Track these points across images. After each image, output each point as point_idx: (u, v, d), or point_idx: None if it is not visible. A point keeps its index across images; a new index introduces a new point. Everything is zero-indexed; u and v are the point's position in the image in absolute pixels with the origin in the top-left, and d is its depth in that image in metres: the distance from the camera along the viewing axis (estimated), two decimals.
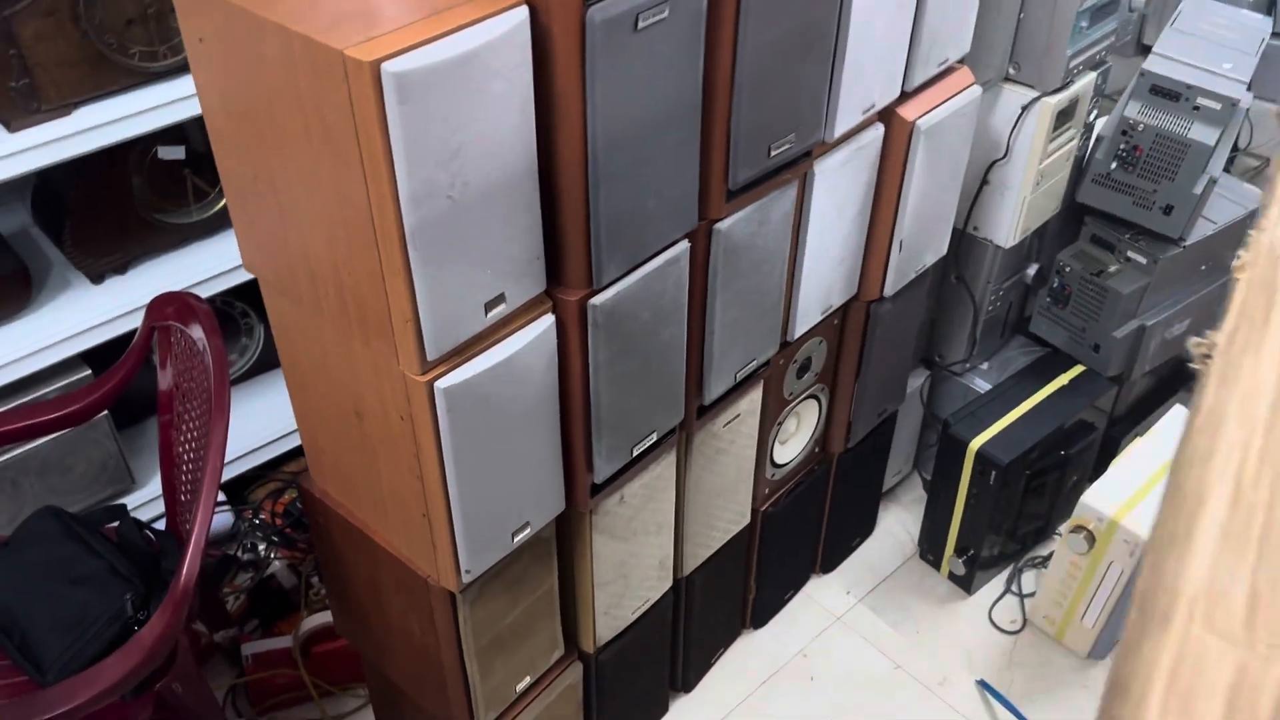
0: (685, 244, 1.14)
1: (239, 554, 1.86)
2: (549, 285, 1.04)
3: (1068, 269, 1.86)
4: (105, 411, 1.67)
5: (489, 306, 0.97)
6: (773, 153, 1.15)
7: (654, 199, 1.05)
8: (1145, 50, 1.85)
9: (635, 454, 1.23)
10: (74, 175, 1.66)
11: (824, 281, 1.43)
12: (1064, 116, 1.66)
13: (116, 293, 1.70)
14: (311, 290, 1.02)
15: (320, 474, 1.26)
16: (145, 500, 1.84)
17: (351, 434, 1.12)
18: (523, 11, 0.87)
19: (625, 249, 1.05)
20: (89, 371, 1.69)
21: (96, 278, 1.72)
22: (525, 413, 1.06)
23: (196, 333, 1.29)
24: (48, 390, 1.66)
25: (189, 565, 1.12)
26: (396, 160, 0.83)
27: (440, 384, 0.96)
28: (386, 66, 0.79)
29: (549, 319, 1.04)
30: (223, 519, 1.92)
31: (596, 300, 1.05)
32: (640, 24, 0.93)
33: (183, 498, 1.43)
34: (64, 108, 1.53)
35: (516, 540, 1.14)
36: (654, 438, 1.25)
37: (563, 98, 0.93)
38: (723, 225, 1.16)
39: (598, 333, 1.07)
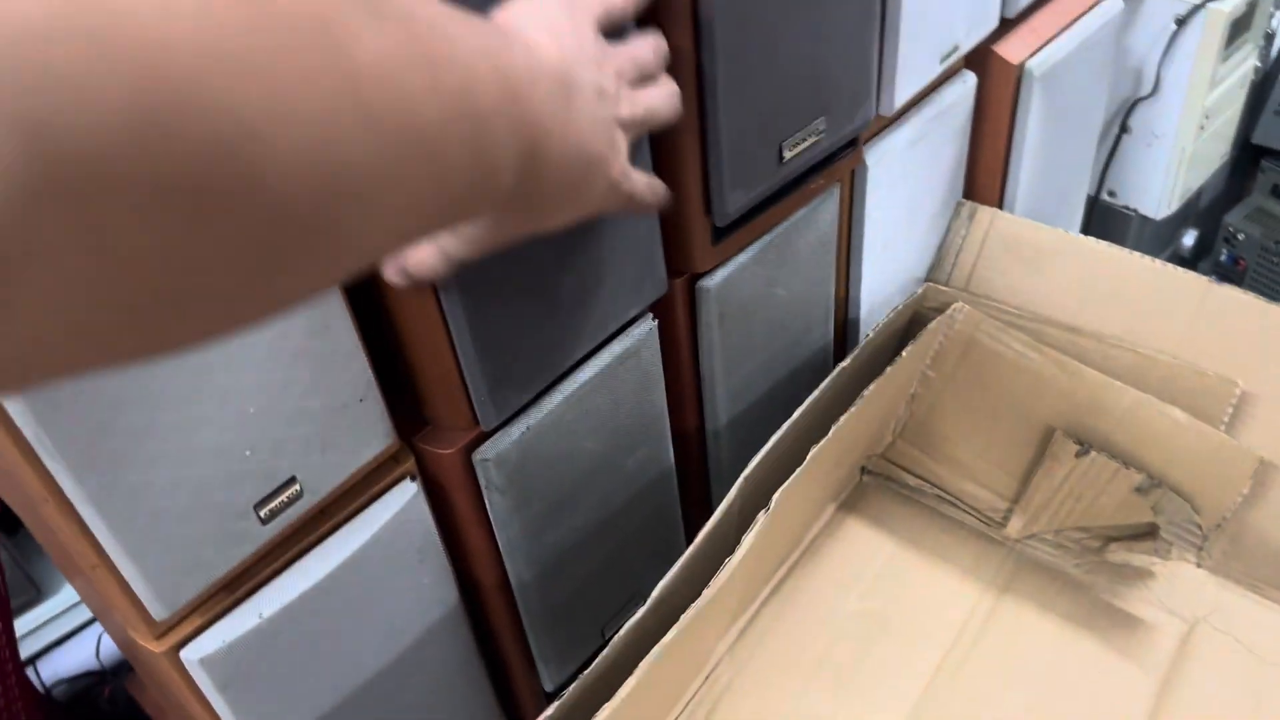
0: (649, 323, 0.68)
1: None
2: (406, 432, 0.61)
3: (1240, 236, 1.34)
4: None
5: (269, 508, 0.53)
6: (788, 154, 0.68)
7: (578, 275, 0.60)
8: None
9: (608, 635, 0.79)
10: None
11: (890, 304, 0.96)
12: (1239, 27, 1.14)
13: None
14: None
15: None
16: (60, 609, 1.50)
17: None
18: None
19: (529, 366, 0.60)
20: None
21: None
22: (387, 631, 0.63)
23: None
24: None
25: None
26: None
27: (189, 654, 0.54)
28: None
29: (409, 490, 0.60)
30: None
31: (488, 450, 0.61)
32: None
33: None
34: None
35: None
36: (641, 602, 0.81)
37: None
38: (711, 282, 0.70)
39: (502, 496, 0.63)
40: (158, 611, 0.51)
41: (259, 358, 0.49)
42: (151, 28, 0.20)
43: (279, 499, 0.53)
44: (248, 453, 0.51)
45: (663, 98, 0.49)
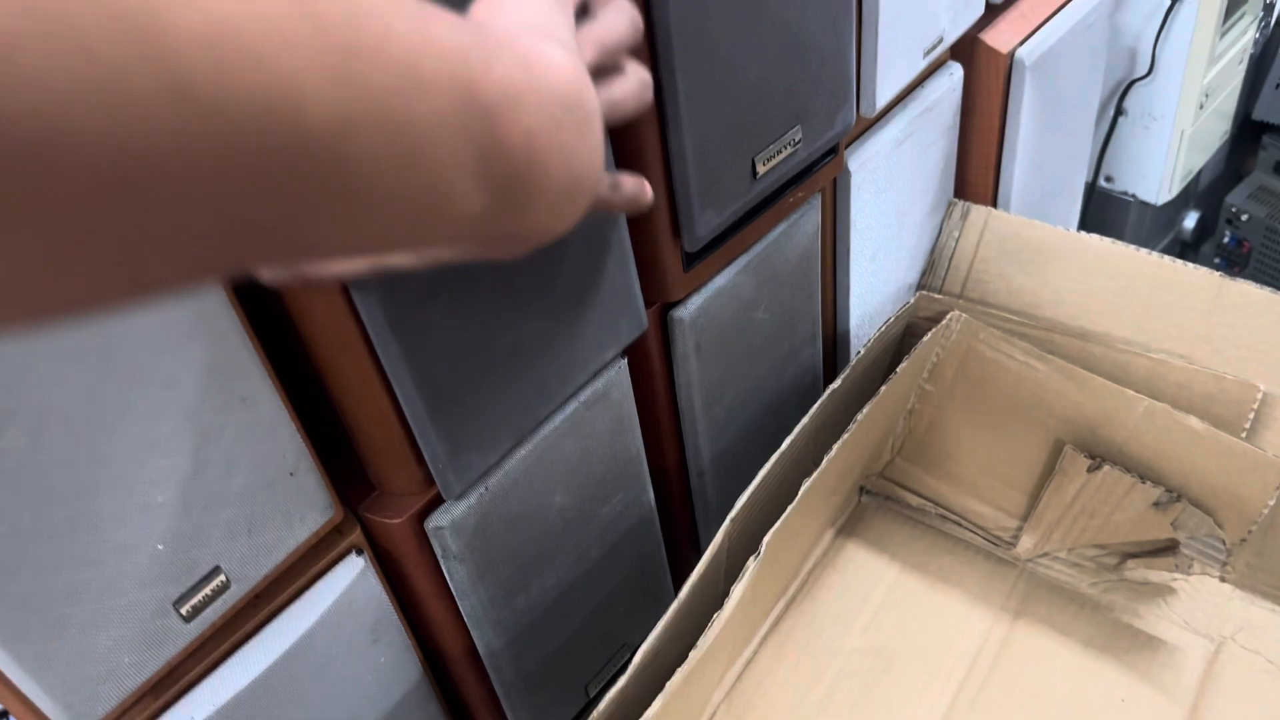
0: (617, 362, 0.62)
1: None
2: (351, 500, 0.55)
3: (1244, 217, 1.28)
4: None
5: (191, 604, 0.47)
6: (762, 169, 0.62)
7: (544, 319, 0.54)
8: None
9: (593, 693, 0.73)
10: None
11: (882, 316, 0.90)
12: (1237, 1, 1.08)
13: None
14: None
15: None
16: None
17: None
18: None
19: (493, 424, 0.54)
20: None
21: None
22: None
23: None
24: None
25: None
26: None
27: None
28: None
29: (355, 566, 0.54)
30: None
31: (441, 517, 0.55)
32: None
33: None
34: None
35: None
36: (628, 655, 0.75)
37: None
38: (684, 311, 0.64)
39: (461, 565, 0.57)
40: None
41: (161, 440, 0.43)
42: None
43: (202, 593, 0.47)
44: (159, 546, 0.44)
45: (632, 92, 0.41)
